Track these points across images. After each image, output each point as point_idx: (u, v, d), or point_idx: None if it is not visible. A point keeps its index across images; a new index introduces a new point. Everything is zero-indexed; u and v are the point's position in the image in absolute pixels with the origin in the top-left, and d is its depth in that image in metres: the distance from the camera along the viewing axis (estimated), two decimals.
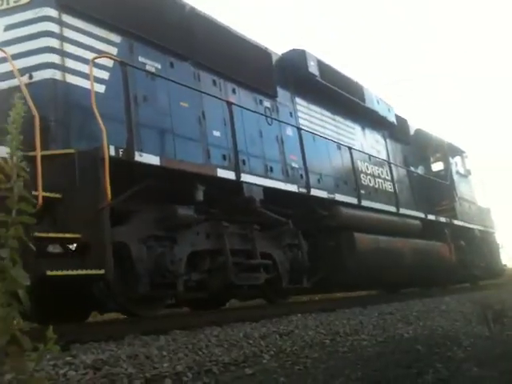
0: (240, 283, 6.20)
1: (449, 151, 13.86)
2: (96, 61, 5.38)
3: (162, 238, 5.57)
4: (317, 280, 7.94)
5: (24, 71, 5.04)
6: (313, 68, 9.09)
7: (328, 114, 9.92)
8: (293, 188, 7.26)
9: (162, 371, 2.84)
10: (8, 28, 5.25)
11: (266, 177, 7.32)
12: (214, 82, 7.26)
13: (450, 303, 7.74)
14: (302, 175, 8.34)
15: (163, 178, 5.48)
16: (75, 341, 3.71)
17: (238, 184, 6.26)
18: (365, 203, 9.06)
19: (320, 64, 9.41)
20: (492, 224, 15.53)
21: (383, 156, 11.55)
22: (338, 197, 8.32)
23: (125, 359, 3.08)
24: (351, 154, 9.16)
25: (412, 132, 13.68)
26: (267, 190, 6.87)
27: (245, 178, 6.41)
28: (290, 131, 8.50)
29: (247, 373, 2.89)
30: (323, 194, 7.88)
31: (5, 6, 5.32)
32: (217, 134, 6.92)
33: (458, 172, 14.12)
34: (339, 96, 9.87)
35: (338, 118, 10.18)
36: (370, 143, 11.23)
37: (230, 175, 6.20)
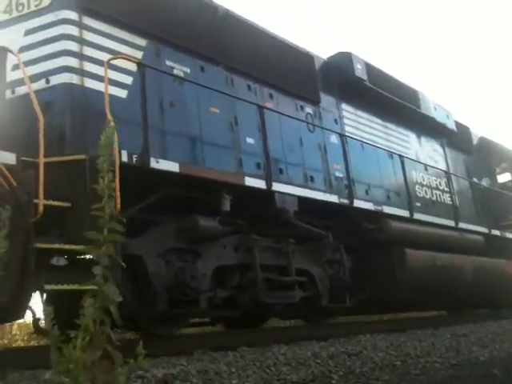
0: (271, 301, 5.70)
1: None
2: (118, 65, 5.15)
3: (183, 251, 5.19)
4: (362, 299, 7.28)
5: (42, 76, 4.87)
6: (360, 72, 8.53)
7: (378, 120, 9.28)
8: (332, 198, 6.72)
9: None
10: (28, 32, 5.09)
11: (305, 187, 6.83)
12: (249, 87, 6.87)
13: None
14: (346, 185, 7.79)
15: (185, 186, 5.12)
16: (147, 355, 3.47)
17: (269, 194, 5.81)
18: (418, 216, 8.33)
19: (368, 67, 8.83)
20: None
21: (442, 166, 10.72)
22: (386, 209, 7.67)
23: (194, 374, 3.16)
24: (403, 162, 8.47)
25: (475, 140, 12.71)
26: (304, 201, 6.38)
27: (277, 187, 5.95)
28: (334, 139, 7.96)
29: None
30: (368, 206, 7.26)
31: (26, 11, 5.19)
32: (250, 141, 6.50)
33: None
34: (390, 101, 9.22)
35: (389, 125, 9.51)
36: (427, 152, 10.45)
37: (259, 184, 5.75)
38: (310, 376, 3.33)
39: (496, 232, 10.56)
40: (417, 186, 9.56)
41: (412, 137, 10.12)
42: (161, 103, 5.52)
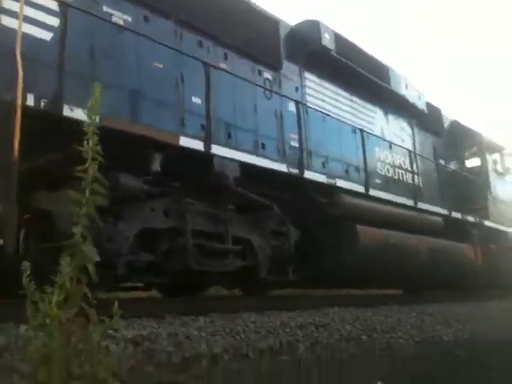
0: (201, 269, 5.40)
1: (486, 147, 12.58)
2: (45, 4, 4.71)
3: (102, 210, 4.84)
4: (307, 273, 7.04)
5: None
6: (327, 41, 8.17)
7: (344, 93, 8.97)
8: (280, 167, 6.40)
9: (199, 352, 2.99)
10: None
11: (254, 153, 6.51)
12: (201, 44, 6.47)
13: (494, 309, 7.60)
14: (301, 156, 7.49)
15: (108, 140, 4.75)
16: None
17: (207, 157, 5.48)
18: (375, 193, 8.09)
19: (337, 38, 8.47)
20: None
21: (408, 145, 10.48)
22: (340, 183, 7.39)
23: (165, 337, 3.20)
24: (363, 137, 8.18)
25: (447, 123, 12.49)
26: (250, 169, 6.07)
27: (218, 150, 5.61)
28: (293, 107, 7.62)
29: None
30: (321, 179, 6.97)
31: None
32: (197, 100, 6.11)
33: (495, 170, 12.82)
34: (358, 75, 8.90)
35: (355, 99, 9.21)
36: (394, 130, 10.19)
37: (197, 145, 5.41)
38: (278, 344, 3.45)
39: (457, 215, 10.39)
40: (379, 163, 9.31)
41: (379, 113, 9.84)
42: (91, 50, 5.10)
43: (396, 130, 10.28)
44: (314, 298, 7.83)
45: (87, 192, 1.73)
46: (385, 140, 9.58)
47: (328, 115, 8.12)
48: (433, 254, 8.96)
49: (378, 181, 9.09)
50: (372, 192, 8.26)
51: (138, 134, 4.88)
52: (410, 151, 10.19)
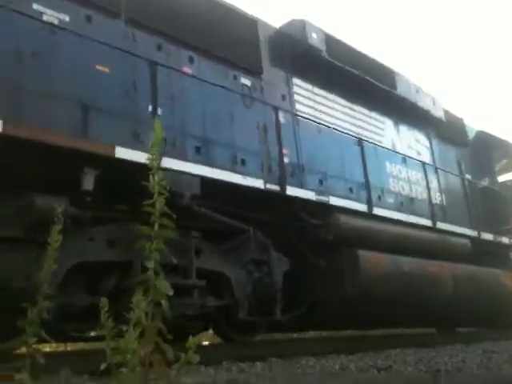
0: None
1: None
2: None
3: (20, 241, 3.91)
4: (301, 312, 5.88)
5: None
6: (315, 41, 7.19)
7: (343, 101, 7.91)
8: (254, 183, 5.35)
9: None
10: None
11: (233, 170, 5.51)
12: (159, 47, 5.59)
13: None
14: (293, 173, 6.45)
15: (19, 152, 3.86)
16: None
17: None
18: (382, 212, 6.91)
19: (329, 39, 7.48)
20: None
21: (426, 159, 9.26)
22: (335, 201, 6.27)
23: None
24: (362, 148, 7.07)
25: (471, 133, 11.20)
26: (218, 186, 5.07)
27: (172, 164, 4.63)
28: (281, 118, 6.62)
29: None
30: (308, 195, 5.87)
31: None
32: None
33: None
34: (358, 80, 7.85)
35: (357, 107, 8.13)
36: (407, 142, 9.02)
37: (140, 157, 4.44)
38: None
39: (488, 236, 9.01)
40: (391, 179, 8.14)
41: (388, 123, 8.71)
42: (17, 53, 4.31)
43: (410, 142, 9.10)
44: (375, 339, 7.78)
45: (156, 226, 1.73)
46: (396, 153, 8.43)
47: (323, 125, 7.08)
48: (459, 283, 7.62)
49: (390, 200, 7.91)
50: (380, 211, 7.10)
51: (55, 145, 3.96)
52: (427, 165, 8.97)
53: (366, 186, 6.84)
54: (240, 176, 5.36)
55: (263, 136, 6.29)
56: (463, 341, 7.27)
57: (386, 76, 8.45)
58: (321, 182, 6.78)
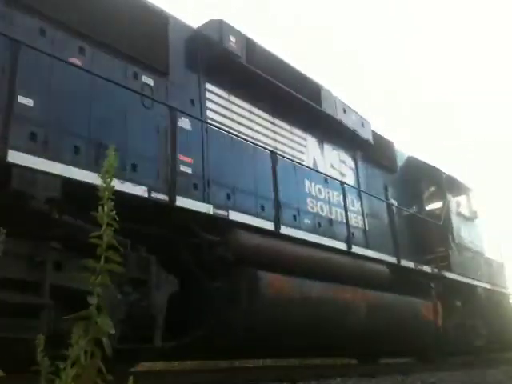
0: None
1: (448, 186, 11.04)
2: None
3: None
4: (188, 339, 5.23)
5: None
6: (232, 45, 6.70)
7: (262, 114, 7.45)
8: (136, 190, 4.72)
9: None
10: None
11: (120, 177, 4.84)
12: (42, 32, 4.93)
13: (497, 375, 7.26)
14: (196, 184, 5.88)
15: None
16: None
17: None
18: (292, 232, 6.41)
19: (250, 44, 7.02)
20: (505, 282, 12.41)
21: (350, 181, 8.91)
22: (241, 217, 5.72)
23: None
24: (274, 160, 6.58)
25: (401, 159, 11.01)
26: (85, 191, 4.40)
27: (22, 159, 3.94)
28: (186, 124, 6.07)
29: None
30: (204, 209, 5.28)
31: None
32: (26, 101, 4.51)
33: (459, 213, 11.24)
34: (280, 92, 7.42)
35: (278, 121, 7.68)
36: (331, 162, 8.63)
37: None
38: None
39: (408, 264, 8.68)
40: (309, 199, 7.70)
41: (310, 141, 8.29)
42: None
43: (334, 162, 8.72)
44: (316, 368, 7.71)
45: (102, 260, 1.63)
46: (317, 172, 8.01)
47: (236, 136, 6.57)
48: (373, 311, 7.19)
49: (307, 220, 7.46)
50: (292, 232, 6.60)
51: None
52: (350, 187, 8.60)
53: (275, 203, 6.32)
54: (128, 183, 4.71)
55: (163, 141, 5.70)
56: (403, 371, 7.33)
57: (312, 90, 8.06)
58: (228, 196, 6.25)
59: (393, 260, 8.27)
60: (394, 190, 10.22)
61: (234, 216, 5.61)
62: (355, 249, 7.59)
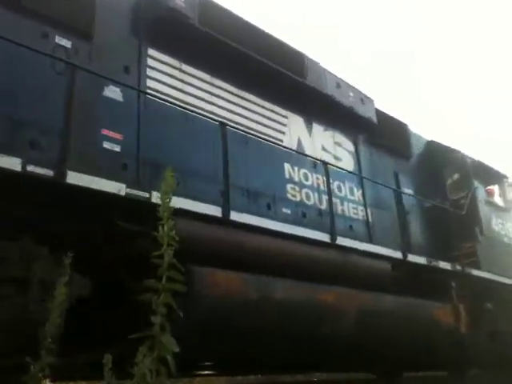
0: None
1: (475, 172, 9.54)
2: None
3: None
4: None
5: None
6: (180, 4, 5.69)
7: (229, 87, 6.37)
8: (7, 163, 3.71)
9: None
10: None
11: (19, 156, 3.88)
12: None
13: None
14: (125, 164, 4.88)
15: None
16: None
17: None
18: (242, 218, 5.23)
19: (205, 3, 5.99)
20: None
21: (348, 166, 7.66)
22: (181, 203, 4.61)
23: None
24: (223, 134, 5.45)
25: (420, 144, 9.64)
26: None
27: None
28: (116, 93, 5.08)
29: None
30: (112, 189, 4.22)
31: None
32: None
33: (489, 203, 9.70)
34: (249, 61, 6.34)
35: (248, 95, 6.58)
36: (322, 144, 7.43)
37: None
38: None
39: (418, 260, 7.30)
40: (289, 186, 6.54)
41: (294, 119, 7.13)
42: None
43: (327, 144, 7.50)
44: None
45: (164, 279, 1.68)
46: (301, 154, 6.83)
47: (184, 109, 5.51)
48: (365, 317, 5.89)
49: (286, 210, 6.32)
50: (267, 223, 5.45)
51: None
52: (345, 172, 7.35)
53: (225, 184, 5.18)
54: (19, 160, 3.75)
55: (84, 114, 4.71)
56: None
57: (292, 60, 6.92)
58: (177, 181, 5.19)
59: (397, 255, 6.91)
60: (408, 179, 8.86)
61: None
62: (345, 242, 6.33)
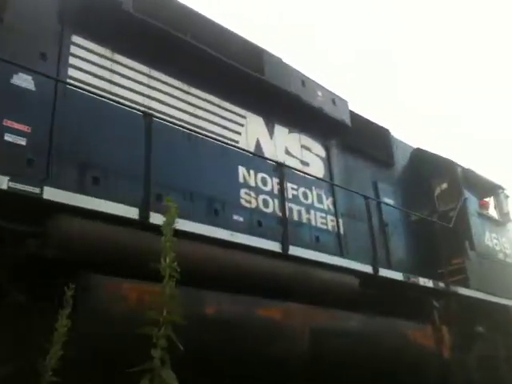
0: None
1: (465, 182, 8.77)
2: None
3: None
4: None
5: None
6: None
7: (172, 80, 5.77)
8: None
9: None
10: None
11: None
12: None
13: None
14: (31, 160, 4.26)
15: None
16: None
17: None
18: (196, 229, 4.56)
19: None
20: None
21: (318, 173, 6.97)
22: (59, 195, 3.92)
23: None
24: (147, 124, 4.79)
25: (405, 151, 8.95)
26: None
27: None
28: (27, 82, 4.51)
29: None
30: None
31: None
32: None
33: (482, 215, 8.89)
34: (197, 54, 5.76)
35: (196, 91, 5.96)
36: (286, 147, 6.76)
37: None
38: None
39: (394, 275, 6.52)
40: (243, 191, 5.87)
41: (252, 119, 6.49)
42: None
43: (291, 148, 6.84)
44: None
45: (164, 311, 1.64)
46: (258, 156, 6.17)
47: (108, 99, 4.90)
48: (322, 339, 5.12)
49: (237, 217, 5.65)
50: (202, 229, 4.77)
51: None
52: (313, 179, 6.66)
53: (145, 182, 4.52)
54: None
55: None
56: None
57: (248, 54, 6.33)
58: (95, 180, 4.58)
59: (367, 269, 6.16)
60: (389, 187, 8.15)
61: (63, 196, 3.87)
62: (305, 253, 5.61)
